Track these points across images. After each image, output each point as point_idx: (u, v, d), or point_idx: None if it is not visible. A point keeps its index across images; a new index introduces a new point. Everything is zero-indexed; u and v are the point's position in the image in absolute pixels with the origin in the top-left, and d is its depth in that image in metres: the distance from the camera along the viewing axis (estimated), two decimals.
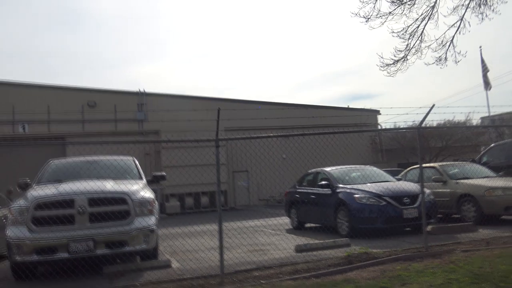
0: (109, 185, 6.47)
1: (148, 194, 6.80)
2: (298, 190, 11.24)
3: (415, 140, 28.42)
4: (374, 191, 8.54)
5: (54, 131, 24.06)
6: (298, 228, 11.09)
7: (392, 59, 7.34)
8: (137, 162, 8.33)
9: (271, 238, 9.38)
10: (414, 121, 23.50)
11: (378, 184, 8.90)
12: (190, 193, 24.44)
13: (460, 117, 28.04)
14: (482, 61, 27.50)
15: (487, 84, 26.55)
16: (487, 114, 28.38)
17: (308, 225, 11.10)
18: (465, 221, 9.24)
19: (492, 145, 12.68)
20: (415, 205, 8.28)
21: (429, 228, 8.33)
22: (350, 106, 31.05)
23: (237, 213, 21.53)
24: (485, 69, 27.02)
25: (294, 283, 5.26)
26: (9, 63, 71.06)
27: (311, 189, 10.33)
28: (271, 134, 6.93)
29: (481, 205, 9.09)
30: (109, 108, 25.09)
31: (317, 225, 10.67)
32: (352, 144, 25.15)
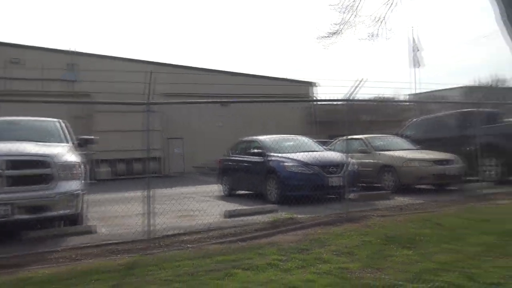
0: (30, 148, 6.13)
1: (73, 157, 6.54)
2: (231, 158, 11.36)
3: (346, 114, 29.36)
4: (303, 160, 8.85)
5: None
6: (229, 195, 11.27)
7: (328, 32, 7.50)
8: (63, 125, 7.93)
9: (201, 204, 9.43)
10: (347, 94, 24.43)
11: (308, 153, 9.22)
12: (123, 159, 23.84)
13: (389, 93, 29.52)
14: (413, 40, 28.95)
15: (416, 63, 28.03)
16: (413, 91, 30.09)
17: (239, 192, 11.31)
18: (385, 189, 9.91)
19: (413, 120, 13.57)
20: (340, 174, 8.72)
21: (351, 196, 8.88)
22: (288, 78, 31.50)
23: (171, 180, 21.38)
24: (415, 48, 28.48)
25: (220, 246, 5.40)
26: None
27: (244, 157, 10.50)
28: (206, 100, 6.90)
29: (399, 175, 9.78)
30: (35, 65, 23.39)
31: (247, 192, 10.91)
32: (288, 115, 25.76)
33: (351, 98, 6.88)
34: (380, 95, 28.50)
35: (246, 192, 11.04)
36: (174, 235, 6.13)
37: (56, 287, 3.98)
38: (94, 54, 25.42)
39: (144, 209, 6.33)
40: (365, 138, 11.29)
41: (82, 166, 6.98)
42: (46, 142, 6.93)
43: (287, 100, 23.43)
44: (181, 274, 4.19)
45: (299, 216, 7.14)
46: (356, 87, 6.71)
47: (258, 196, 9.87)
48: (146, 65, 25.77)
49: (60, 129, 7.70)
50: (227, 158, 11.62)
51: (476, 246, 4.65)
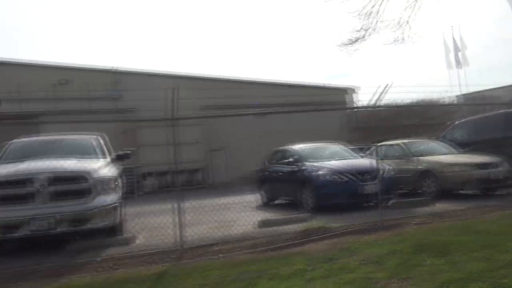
0: (70, 164, 6.52)
1: (109, 172, 6.87)
2: (267, 168, 11.44)
3: (391, 119, 28.68)
4: (335, 167, 8.78)
5: (26, 109, 23.65)
6: (267, 204, 11.33)
7: (350, 39, 7.45)
8: (101, 140, 8.34)
9: (238, 214, 9.56)
10: (391, 99, 23.86)
11: (342, 161, 9.14)
12: (167, 172, 24.50)
13: (434, 96, 28.52)
14: (453, 40, 27.95)
15: (458, 63, 27.01)
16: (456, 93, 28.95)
17: (277, 201, 11.34)
18: (425, 196, 9.59)
19: (455, 122, 13.07)
20: (375, 181, 8.55)
21: (389, 203, 8.68)
22: (329, 84, 31.24)
23: (214, 190, 21.74)
24: (456, 49, 27.45)
25: (250, 256, 5.47)
26: None
27: (279, 166, 10.54)
28: (234, 113, 7.03)
29: (439, 180, 9.45)
30: (82, 85, 24.68)
31: (285, 201, 10.92)
32: (328, 122, 25.52)
33: (377, 103, 6.77)
34: (423, 99, 27.77)
35: (284, 201, 11.05)
36: (207, 245, 6.27)
37: None
38: (137, 72, 26.47)
39: (176, 220, 6.51)
40: (403, 143, 11.02)
41: (119, 180, 7.31)
42: (85, 157, 7.33)
43: (320, 109, 22.99)
44: (207, 283, 4.30)
45: (332, 224, 7.08)
46: (382, 92, 6.62)
47: (295, 205, 9.86)
48: (187, 80, 26.60)
49: (98, 144, 8.10)
50: (264, 168, 11.71)
51: None
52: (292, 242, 6.03)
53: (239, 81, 27.66)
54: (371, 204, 9.17)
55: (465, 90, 28.36)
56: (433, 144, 11.33)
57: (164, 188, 23.90)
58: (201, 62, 65.70)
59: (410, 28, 7.54)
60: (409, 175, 10.24)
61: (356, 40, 7.34)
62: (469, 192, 10.33)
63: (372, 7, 7.09)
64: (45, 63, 25.78)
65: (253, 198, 11.94)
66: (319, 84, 30.35)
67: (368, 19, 7.15)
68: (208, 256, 5.64)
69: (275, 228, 7.27)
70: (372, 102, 6.95)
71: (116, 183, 6.91)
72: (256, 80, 28.75)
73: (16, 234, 6.01)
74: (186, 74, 27.04)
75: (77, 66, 26.04)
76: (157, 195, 20.37)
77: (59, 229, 6.14)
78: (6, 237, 6.03)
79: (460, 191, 9.94)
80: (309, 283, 4.06)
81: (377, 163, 6.90)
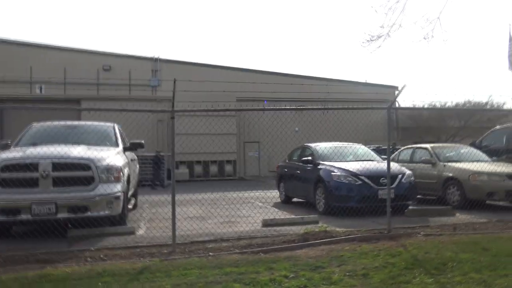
0: (75, 151, 6.60)
1: (116, 161, 6.91)
2: (287, 164, 11.21)
3: (431, 119, 27.53)
4: (352, 169, 8.43)
5: (70, 94, 24.60)
6: (285, 202, 11.13)
7: (372, 36, 7.02)
8: (117, 129, 8.44)
9: (252, 210, 9.40)
10: (432, 101, 22.80)
11: (360, 163, 8.76)
12: (199, 161, 24.73)
13: (481, 98, 26.93)
14: (510, 39, 26.15)
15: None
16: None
17: (295, 199, 11.10)
18: (450, 204, 9.04)
19: (497, 127, 12.20)
20: (392, 186, 8.12)
21: (406, 210, 8.25)
22: (371, 82, 30.31)
23: (243, 183, 21.72)
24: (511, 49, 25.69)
25: (239, 257, 5.32)
26: (26, 24, 72.07)
27: (297, 164, 10.29)
28: (241, 108, 6.84)
29: (465, 189, 8.86)
30: (123, 72, 25.35)
31: (302, 200, 10.66)
32: (367, 120, 24.75)
33: (393, 105, 6.37)
34: (470, 100, 26.27)
35: (302, 200, 10.80)
36: (202, 242, 6.19)
37: (64, 285, 4.21)
38: (176, 61, 26.81)
39: (199, 212, 6.45)
40: (431, 147, 10.43)
41: (126, 170, 7.35)
42: (97, 145, 7.42)
43: (358, 108, 22.13)
44: (181, 283, 4.20)
45: (337, 229, 6.81)
46: (399, 94, 6.22)
47: (311, 205, 9.59)
48: (224, 71, 26.65)
49: (113, 133, 8.19)
50: (284, 164, 11.49)
51: None
52: (287, 246, 5.81)
53: (274, 74, 27.35)
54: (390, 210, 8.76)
55: None
56: (464, 150, 10.65)
57: (196, 178, 24.26)
58: (233, 53, 65.97)
59: (440, 24, 6.99)
60: (434, 181, 9.69)
61: (379, 37, 6.89)
62: (500, 203, 9.65)
63: (397, 1, 6.62)
64: (89, 49, 26.62)
65: (277, 194, 11.77)
66: (365, 81, 29.58)
67: (394, 14, 6.68)
68: (198, 253, 5.54)
69: (278, 228, 7.08)
70: (390, 103, 6.52)
71: (122, 172, 6.95)
72: (297, 74, 28.33)
73: (19, 218, 6.17)
74: (222, 65, 27.06)
75: (120, 53, 26.71)
76: (187, 184, 20.66)
77: (59, 215, 6.26)
78: (7, 220, 6.19)
79: (490, 202, 9.28)
80: None
81: (388, 167, 6.47)
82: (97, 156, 6.62)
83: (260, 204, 10.97)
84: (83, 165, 6.45)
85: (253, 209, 9.69)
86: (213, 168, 25.06)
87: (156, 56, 26.38)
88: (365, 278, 4.26)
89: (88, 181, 6.46)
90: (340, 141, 11.91)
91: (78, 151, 6.62)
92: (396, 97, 6.29)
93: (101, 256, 5.49)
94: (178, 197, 13.08)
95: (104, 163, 6.64)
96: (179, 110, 5.79)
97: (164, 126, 25.91)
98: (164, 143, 25.49)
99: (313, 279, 4.23)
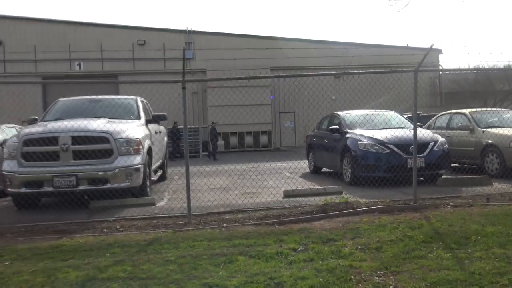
0: (94, 124, 6.65)
1: (135, 133, 6.91)
2: (316, 134, 10.91)
3: (477, 83, 26.02)
4: (380, 138, 8.02)
5: (107, 69, 25.11)
6: (314, 172, 10.89)
7: None
8: (139, 102, 8.43)
9: (278, 181, 9.27)
10: (477, 65, 21.31)
11: (389, 130, 8.32)
12: (235, 133, 24.73)
13: None
14: None
15: None
16: None
17: (324, 170, 10.84)
18: (488, 173, 8.48)
19: None
20: (422, 154, 7.70)
21: (439, 179, 7.82)
22: (410, 45, 28.85)
23: (277, 153, 21.59)
24: None
25: (253, 228, 5.21)
26: (61, 1, 73.51)
27: (326, 133, 9.95)
28: (254, 76, 6.55)
29: (504, 157, 8.25)
30: (157, 46, 25.49)
31: (331, 170, 10.38)
32: (407, 86, 23.71)
33: (419, 68, 5.90)
34: None
35: (330, 170, 10.52)
36: (218, 213, 6.13)
37: (74, 255, 4.26)
38: (209, 32, 26.58)
39: (227, 183, 6.39)
40: (470, 112, 9.74)
41: (147, 142, 7.35)
42: (119, 118, 7.45)
43: (395, 71, 21.04)
44: (186, 255, 4.14)
45: (361, 200, 6.54)
46: (426, 55, 5.73)
47: (340, 175, 9.31)
48: (256, 40, 26.15)
49: (135, 106, 8.20)
50: (313, 134, 11.18)
51: None
52: (304, 217, 5.64)
53: (309, 41, 26.56)
54: (421, 179, 8.34)
55: None
56: (508, 115, 9.89)
57: (231, 149, 24.34)
58: (260, 23, 64.46)
59: None
60: (472, 148, 9.10)
61: None
62: None
63: None
64: (124, 24, 26.85)
65: (307, 164, 11.54)
66: (401, 45, 28.18)
67: None
68: (212, 225, 5.48)
69: (299, 199, 6.90)
70: (416, 66, 6.04)
71: (142, 145, 6.95)
72: (331, 40, 27.39)
73: (42, 190, 6.34)
74: (254, 34, 26.57)
75: (153, 27, 26.78)
76: (223, 155, 20.77)
77: (80, 187, 6.38)
78: (31, 192, 6.38)
79: None
80: (285, 267, 3.71)
81: (415, 134, 6.05)
82: (116, 128, 6.63)
83: (288, 174, 10.80)
84: (102, 138, 6.49)
85: (280, 180, 9.54)
86: (248, 139, 25.01)
87: (189, 28, 26.27)
88: (377, 252, 4.02)
89: (107, 154, 6.51)
90: (379, 109, 11.37)
91: (97, 124, 6.66)
92: (424, 58, 5.80)
93: (118, 227, 5.55)
94: (207, 168, 13.22)
95: (123, 135, 6.65)
96: (190, 80, 5.62)
97: (199, 98, 26.04)
98: (200, 116, 25.67)
99: (322, 252, 4.05)
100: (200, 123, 24.20)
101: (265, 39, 26.31)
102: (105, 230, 5.42)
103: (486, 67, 22.14)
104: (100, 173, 6.40)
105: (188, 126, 21.24)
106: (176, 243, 4.58)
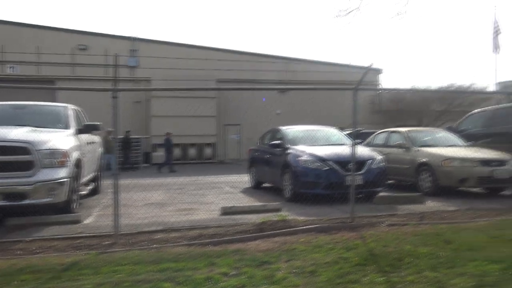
0: (13, 133, 6.06)
1: (62, 144, 6.39)
2: (258, 148, 10.78)
3: (414, 103, 26.97)
4: (319, 154, 8.01)
5: (44, 74, 23.70)
6: (256, 187, 10.72)
7: (342, 10, 6.53)
8: (70, 110, 7.87)
9: (217, 197, 9.01)
10: (413, 85, 22.39)
11: (328, 147, 8.35)
12: (178, 144, 24.13)
13: (463, 81, 26.71)
14: (495, 21, 25.85)
15: (496, 47, 25.04)
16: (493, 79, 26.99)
17: (266, 185, 10.70)
18: (422, 191, 8.73)
19: (474, 111, 11.88)
20: (361, 172, 7.75)
21: (376, 197, 7.90)
22: (352, 64, 29.82)
23: (220, 166, 21.31)
24: (496, 31, 25.42)
25: (185, 249, 4.90)
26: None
27: (267, 148, 9.84)
28: (188, 87, 6.32)
29: (437, 175, 8.53)
30: (100, 52, 24.43)
31: (272, 185, 10.27)
32: (349, 103, 24.37)
33: (359, 86, 5.92)
34: (453, 84, 25.98)
35: (271, 185, 10.40)
36: (149, 232, 5.75)
37: None
38: (155, 40, 25.94)
39: (163, 197, 5.99)
40: (406, 131, 10.05)
41: (76, 153, 6.83)
42: (46, 127, 6.88)
43: (343, 88, 21.44)
44: (106, 283, 3.75)
45: (298, 218, 6.41)
46: (364, 74, 5.77)
47: (280, 191, 9.19)
48: (203, 51, 25.89)
49: (65, 115, 7.63)
50: (256, 148, 11.05)
51: (470, 278, 3.64)
52: (240, 237, 5.41)
53: (256, 55, 26.70)
54: (359, 196, 8.40)
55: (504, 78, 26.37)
56: (440, 135, 10.32)
57: (173, 161, 23.71)
58: (211, 33, 64.65)
59: None
60: (407, 166, 9.35)
61: (349, 12, 6.40)
62: (474, 190, 9.37)
63: None
64: (65, 27, 25.60)
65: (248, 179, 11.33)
66: (346, 63, 29.01)
67: None
68: (141, 245, 5.10)
69: (237, 216, 6.67)
70: (355, 85, 6.06)
71: (69, 157, 6.43)
72: (278, 55, 27.67)
73: None
74: (202, 45, 26.31)
75: (96, 32, 25.72)
76: (166, 167, 20.09)
77: None
78: None
79: (465, 189, 8.99)
80: None
81: (353, 152, 6.07)
82: (38, 138, 6.09)
83: (228, 189, 10.55)
84: (21, 148, 5.92)
85: (219, 195, 9.29)
86: (192, 151, 24.54)
87: (134, 35, 25.51)
88: (312, 276, 3.86)
89: (27, 166, 5.94)
90: (321, 124, 11.43)
91: (16, 134, 6.08)
92: (363, 77, 5.83)
93: (34, 248, 5.02)
94: (146, 181, 12.66)
95: (47, 146, 6.11)
96: (120, 89, 5.25)
97: (142, 107, 25.22)
98: (142, 125, 24.83)
99: (255, 277, 3.83)
100: (143, 133, 23.39)
101: (212, 51, 26.15)
102: (18, 252, 4.88)
103: (422, 87, 23.40)
104: (18, 187, 5.81)
105: (131, 137, 20.50)
106: (97, 268, 4.17)
